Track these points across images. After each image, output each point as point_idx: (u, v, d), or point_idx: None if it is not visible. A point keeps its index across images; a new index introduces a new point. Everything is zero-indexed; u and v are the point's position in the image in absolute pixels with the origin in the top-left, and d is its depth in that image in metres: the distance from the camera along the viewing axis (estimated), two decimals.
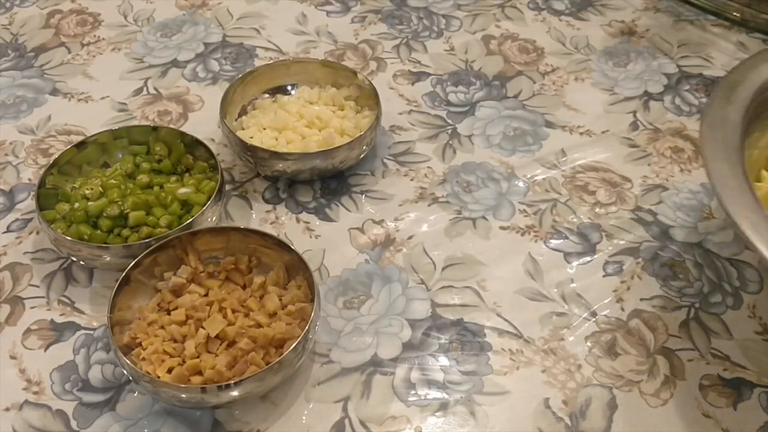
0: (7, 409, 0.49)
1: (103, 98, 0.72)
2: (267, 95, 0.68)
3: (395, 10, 0.84)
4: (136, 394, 0.49)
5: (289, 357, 0.46)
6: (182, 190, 0.58)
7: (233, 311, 0.50)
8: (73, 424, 0.48)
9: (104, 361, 0.51)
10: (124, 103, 0.71)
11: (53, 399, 0.49)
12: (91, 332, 0.53)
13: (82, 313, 0.54)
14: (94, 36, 0.80)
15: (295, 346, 0.46)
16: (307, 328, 0.47)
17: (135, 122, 0.69)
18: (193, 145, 0.61)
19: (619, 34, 0.82)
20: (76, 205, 0.56)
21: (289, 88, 0.69)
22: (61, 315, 0.54)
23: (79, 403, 0.49)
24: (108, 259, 0.53)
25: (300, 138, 0.63)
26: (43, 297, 0.55)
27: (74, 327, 0.53)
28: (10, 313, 0.54)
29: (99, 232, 0.55)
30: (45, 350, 0.52)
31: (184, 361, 0.48)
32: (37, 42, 0.78)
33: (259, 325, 0.49)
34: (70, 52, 0.77)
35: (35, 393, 0.49)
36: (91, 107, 0.71)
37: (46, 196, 0.57)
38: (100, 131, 0.61)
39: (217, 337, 0.49)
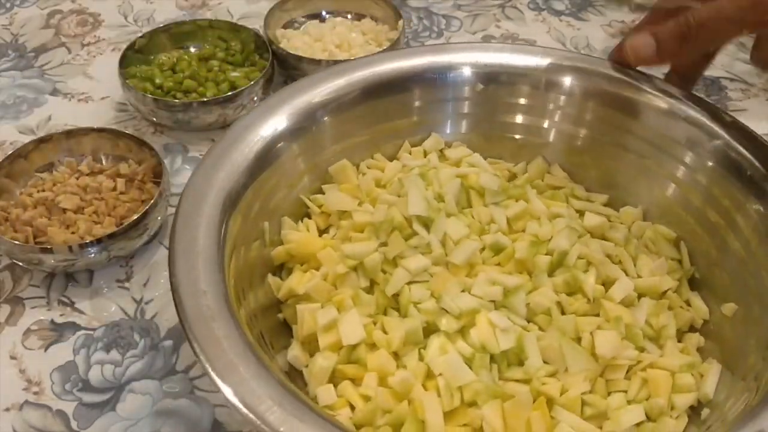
0: (7, 410, 0.49)
1: (103, 98, 0.72)
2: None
3: None
4: (136, 394, 0.49)
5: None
6: (233, 74, 0.69)
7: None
8: (74, 424, 0.48)
9: (104, 361, 0.51)
10: (124, 103, 0.71)
11: (53, 399, 0.49)
12: (91, 332, 0.53)
13: (82, 313, 0.54)
14: (95, 36, 0.80)
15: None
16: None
17: (135, 122, 0.69)
18: (264, 48, 0.72)
19: (619, 34, 0.81)
20: (152, 66, 0.70)
21: None
22: (61, 315, 0.54)
23: (79, 404, 0.49)
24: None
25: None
26: (43, 297, 0.55)
27: (74, 327, 0.53)
28: (10, 313, 0.54)
29: (160, 90, 0.67)
30: (45, 350, 0.52)
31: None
32: (38, 42, 0.78)
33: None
34: (70, 53, 0.77)
35: (35, 393, 0.49)
36: (91, 107, 0.71)
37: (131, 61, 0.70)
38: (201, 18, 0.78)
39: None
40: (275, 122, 0.50)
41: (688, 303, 0.49)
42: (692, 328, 0.48)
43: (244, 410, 0.35)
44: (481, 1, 0.86)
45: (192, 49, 0.74)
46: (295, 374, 0.45)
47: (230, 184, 0.46)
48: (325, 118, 0.52)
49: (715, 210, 0.49)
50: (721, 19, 0.43)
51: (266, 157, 0.49)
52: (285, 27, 0.77)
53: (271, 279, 0.48)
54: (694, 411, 0.44)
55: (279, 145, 0.50)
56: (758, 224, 0.46)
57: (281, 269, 0.50)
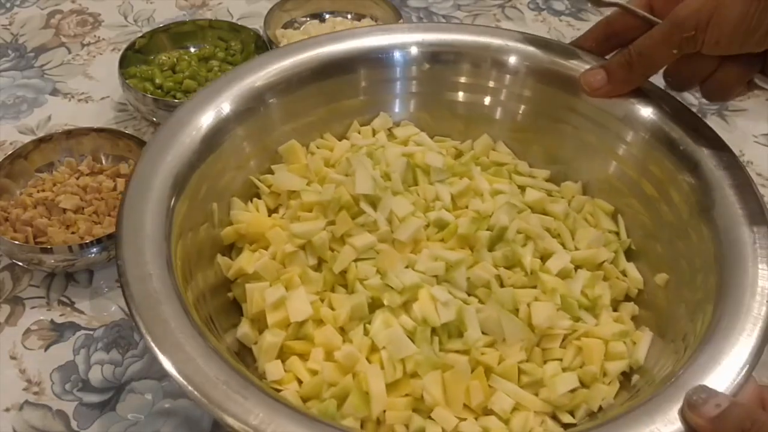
0: (7, 410, 0.49)
1: (103, 98, 0.72)
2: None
3: None
4: (136, 394, 0.49)
5: None
6: None
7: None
8: (74, 424, 0.48)
9: (104, 361, 0.51)
10: (124, 103, 0.71)
11: (53, 399, 0.49)
12: (91, 332, 0.53)
13: (82, 313, 0.54)
14: (94, 36, 0.80)
15: None
16: None
17: (135, 122, 0.69)
18: (264, 47, 0.72)
19: None
20: (152, 66, 0.70)
21: None
22: (61, 315, 0.54)
23: (79, 404, 0.49)
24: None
25: None
26: (43, 297, 0.55)
27: (74, 327, 0.53)
28: (10, 313, 0.54)
29: (160, 90, 0.67)
30: (45, 350, 0.52)
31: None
32: (38, 42, 0.78)
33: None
34: (70, 53, 0.77)
35: (35, 393, 0.49)
36: (91, 107, 0.71)
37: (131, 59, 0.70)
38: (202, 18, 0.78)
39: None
40: (222, 104, 0.50)
41: (624, 273, 0.50)
42: (628, 298, 0.50)
43: (190, 388, 0.35)
44: (481, 1, 0.86)
45: (192, 49, 0.74)
46: (245, 351, 0.46)
47: (177, 168, 0.46)
48: (273, 99, 0.53)
49: (650, 182, 0.51)
50: (653, 45, 0.48)
51: (214, 139, 0.49)
52: (285, 27, 0.77)
53: (221, 259, 0.49)
54: (626, 377, 0.46)
55: (226, 126, 0.50)
56: (689, 195, 0.48)
57: (231, 249, 0.51)
